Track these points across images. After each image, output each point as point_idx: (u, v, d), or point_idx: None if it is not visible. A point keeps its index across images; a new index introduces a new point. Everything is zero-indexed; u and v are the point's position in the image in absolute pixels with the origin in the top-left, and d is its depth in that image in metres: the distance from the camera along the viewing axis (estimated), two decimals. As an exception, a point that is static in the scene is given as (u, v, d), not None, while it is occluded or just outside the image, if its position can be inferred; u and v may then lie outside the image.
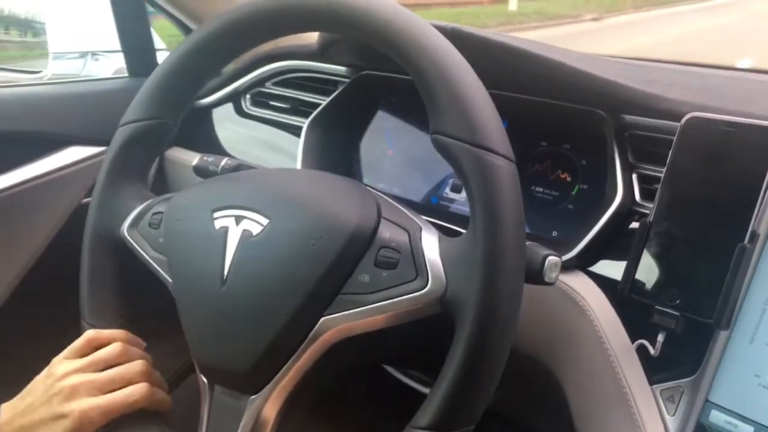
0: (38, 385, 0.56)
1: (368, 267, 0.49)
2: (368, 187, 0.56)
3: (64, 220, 0.94)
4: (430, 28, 0.50)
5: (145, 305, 0.64)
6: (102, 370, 0.56)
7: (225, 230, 0.53)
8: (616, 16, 11.42)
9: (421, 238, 0.49)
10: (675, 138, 0.55)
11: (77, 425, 0.52)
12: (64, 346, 0.58)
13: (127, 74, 1.03)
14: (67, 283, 0.64)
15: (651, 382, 0.57)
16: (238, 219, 0.53)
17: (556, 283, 0.51)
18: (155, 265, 0.58)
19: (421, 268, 0.47)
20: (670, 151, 0.55)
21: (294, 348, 0.49)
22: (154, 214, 0.60)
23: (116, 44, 1.03)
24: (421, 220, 0.52)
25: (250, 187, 0.56)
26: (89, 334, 0.58)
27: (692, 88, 0.62)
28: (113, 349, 0.57)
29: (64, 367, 0.55)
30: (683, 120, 0.55)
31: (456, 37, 0.52)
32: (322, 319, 0.49)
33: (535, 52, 0.64)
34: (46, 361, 0.57)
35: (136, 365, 0.56)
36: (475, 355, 0.46)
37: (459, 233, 0.50)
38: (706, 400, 0.54)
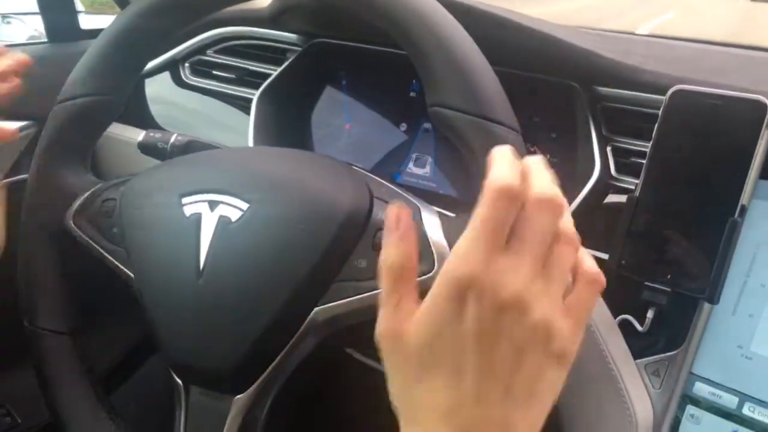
0: None
1: (365, 251, 0.45)
2: (353, 166, 0.53)
3: (-19, 204, 0.84)
4: None
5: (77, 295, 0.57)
6: None
7: (198, 217, 0.48)
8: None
9: (421, 218, 0.46)
10: (661, 111, 0.54)
11: None
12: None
13: (46, 39, 0.92)
14: None
15: (635, 357, 0.57)
16: (213, 204, 0.48)
17: None
18: (111, 258, 0.52)
19: (425, 250, 0.44)
20: (656, 125, 0.54)
21: (284, 342, 0.46)
22: (105, 201, 0.54)
23: (30, 5, 0.92)
24: (417, 199, 0.49)
25: (223, 169, 0.51)
26: None
27: (667, 61, 0.62)
28: None
29: None
30: (669, 93, 0.54)
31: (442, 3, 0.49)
32: (316, 308, 0.45)
33: (518, 22, 0.61)
34: None
35: None
36: None
37: None
38: (690, 373, 0.55)
